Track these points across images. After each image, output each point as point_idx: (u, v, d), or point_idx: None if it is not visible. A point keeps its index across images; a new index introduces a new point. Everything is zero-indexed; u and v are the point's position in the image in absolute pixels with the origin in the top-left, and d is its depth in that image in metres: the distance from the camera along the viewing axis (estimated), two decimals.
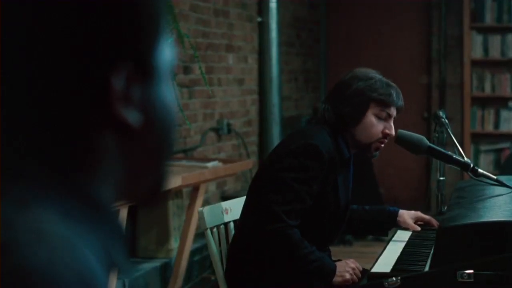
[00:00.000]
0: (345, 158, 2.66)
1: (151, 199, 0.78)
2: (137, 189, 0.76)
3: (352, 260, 2.64)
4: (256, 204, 2.61)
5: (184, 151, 5.04)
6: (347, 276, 2.57)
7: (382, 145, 2.71)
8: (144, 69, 0.71)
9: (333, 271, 2.57)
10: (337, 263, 2.60)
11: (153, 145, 0.73)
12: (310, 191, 2.53)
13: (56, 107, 0.68)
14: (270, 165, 2.64)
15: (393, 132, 2.70)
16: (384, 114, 2.67)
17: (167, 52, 0.75)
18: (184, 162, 4.33)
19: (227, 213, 2.84)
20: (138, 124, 0.70)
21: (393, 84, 2.73)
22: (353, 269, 2.60)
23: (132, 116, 0.70)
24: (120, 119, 0.69)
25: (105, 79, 0.68)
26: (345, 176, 2.71)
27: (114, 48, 0.69)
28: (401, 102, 2.72)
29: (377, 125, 2.66)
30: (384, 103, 2.66)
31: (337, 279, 2.56)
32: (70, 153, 0.69)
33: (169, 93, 0.75)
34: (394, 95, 2.68)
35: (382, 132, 2.67)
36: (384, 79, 2.71)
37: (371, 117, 2.66)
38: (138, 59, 0.70)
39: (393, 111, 2.70)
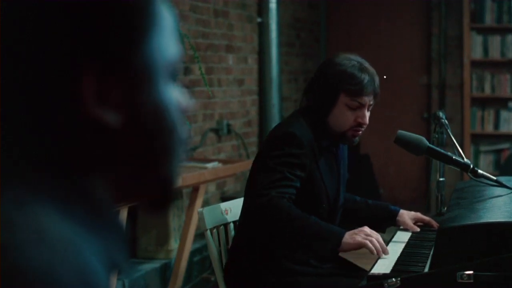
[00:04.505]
0: (324, 146, 2.65)
1: (159, 202, 0.76)
2: (141, 190, 0.75)
3: (367, 227, 2.51)
4: (247, 196, 2.62)
5: None
6: (359, 238, 2.42)
7: (359, 132, 2.68)
8: (125, 71, 0.70)
9: (340, 232, 2.44)
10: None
11: (144, 146, 0.72)
12: (295, 173, 2.52)
13: (43, 107, 0.68)
14: (255, 161, 2.67)
15: (365, 121, 2.65)
16: (355, 104, 2.63)
17: (164, 51, 0.73)
18: (183, 163, 4.33)
19: (227, 213, 2.84)
20: (117, 124, 0.69)
21: (369, 69, 2.64)
22: (367, 234, 2.45)
23: (110, 116, 0.69)
24: (98, 119, 0.69)
25: (77, 79, 0.68)
26: (330, 163, 2.69)
27: (83, 49, 0.68)
28: (373, 88, 2.63)
29: (347, 115, 2.63)
30: (354, 93, 2.61)
31: (347, 240, 2.42)
32: (67, 153, 0.69)
33: (167, 93, 0.74)
34: (366, 82, 2.60)
35: (355, 121, 2.64)
36: (358, 65, 2.63)
37: (341, 107, 2.63)
38: (113, 60, 0.69)
39: (366, 100, 2.63)
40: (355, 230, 2.46)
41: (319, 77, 2.68)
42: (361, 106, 2.64)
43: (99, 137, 0.70)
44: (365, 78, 2.62)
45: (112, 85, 0.69)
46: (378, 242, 2.44)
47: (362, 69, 2.64)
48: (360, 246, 2.42)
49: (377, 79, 2.67)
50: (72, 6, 0.67)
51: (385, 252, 2.47)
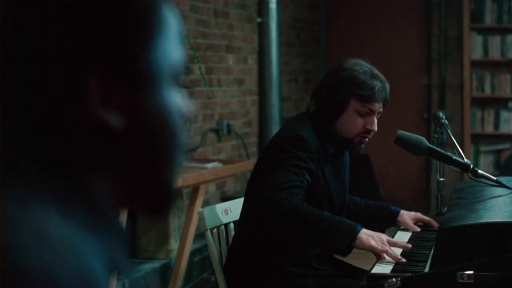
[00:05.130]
0: (329, 153, 2.63)
1: (157, 208, 0.76)
2: (141, 192, 0.75)
3: (385, 235, 2.50)
4: (253, 196, 2.60)
5: None
6: (373, 243, 2.41)
7: (366, 139, 2.67)
8: (129, 73, 0.70)
9: (356, 226, 2.42)
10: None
11: (145, 149, 0.72)
12: (303, 176, 2.49)
13: (44, 107, 0.68)
14: (260, 162, 2.65)
15: (374, 128, 2.64)
16: (365, 110, 2.61)
17: (168, 55, 0.73)
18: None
19: (227, 213, 2.84)
20: (120, 126, 0.70)
21: (380, 76, 2.64)
22: (383, 243, 2.43)
23: (112, 117, 0.69)
24: (100, 120, 0.69)
25: (81, 80, 0.68)
26: (335, 168, 2.68)
27: (88, 49, 0.68)
28: (384, 95, 2.63)
29: (357, 121, 2.62)
30: (365, 99, 2.60)
31: (363, 238, 2.39)
32: (68, 153, 0.69)
33: (170, 97, 0.74)
34: (377, 88, 2.60)
35: (364, 127, 2.63)
36: (370, 71, 2.63)
37: (351, 113, 2.61)
38: (118, 62, 0.69)
39: (376, 106, 2.62)
40: (373, 233, 2.45)
41: (328, 82, 2.66)
42: (371, 112, 2.62)
43: (100, 137, 0.70)
44: (377, 84, 2.61)
45: (116, 87, 0.69)
46: (389, 254, 2.43)
47: (374, 75, 2.63)
48: (372, 250, 2.42)
49: (388, 86, 2.66)
50: (76, 7, 0.67)
51: (406, 247, 2.46)
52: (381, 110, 2.66)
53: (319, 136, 2.61)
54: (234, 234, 2.77)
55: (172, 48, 0.74)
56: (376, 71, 2.66)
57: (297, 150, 2.52)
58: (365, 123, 2.63)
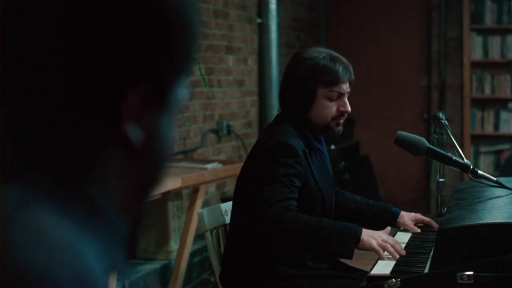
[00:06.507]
0: (315, 148, 2.64)
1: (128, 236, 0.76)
2: (125, 208, 0.75)
3: (383, 233, 2.50)
4: (242, 202, 2.59)
5: (184, 152, 5.04)
6: (374, 244, 2.42)
7: (342, 121, 2.68)
8: (161, 95, 0.71)
9: (357, 229, 2.42)
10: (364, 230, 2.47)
11: (147, 167, 0.73)
12: (293, 184, 2.49)
13: (59, 111, 0.68)
14: (247, 174, 2.62)
15: (348, 109, 2.65)
16: (334, 94, 2.63)
17: (184, 87, 0.75)
18: (184, 164, 4.33)
19: (227, 214, 2.84)
20: (139, 144, 0.70)
21: (340, 58, 2.65)
22: (384, 240, 2.45)
23: (136, 135, 0.70)
24: (124, 134, 0.69)
25: (121, 93, 0.68)
26: (320, 163, 2.68)
27: (139, 65, 0.69)
28: (349, 75, 2.64)
29: (329, 106, 2.63)
30: (332, 83, 2.61)
31: (364, 240, 2.40)
32: (71, 157, 0.69)
33: (173, 125, 0.75)
34: (341, 70, 2.61)
35: (337, 110, 2.64)
36: (328, 56, 2.63)
37: (321, 100, 2.62)
38: (159, 82, 0.70)
39: (344, 88, 2.63)
40: (373, 234, 2.46)
41: (292, 76, 2.66)
42: (341, 95, 2.64)
43: (115, 148, 0.70)
44: (339, 67, 2.62)
45: (149, 108, 0.70)
46: (394, 247, 2.44)
47: (334, 59, 2.63)
48: (372, 251, 2.43)
49: (350, 67, 2.67)
50: (138, 26, 0.68)
51: (400, 254, 2.45)
52: (349, 90, 2.67)
53: (301, 134, 2.62)
54: (226, 243, 2.73)
55: (186, 80, 0.75)
56: (335, 54, 2.67)
57: (283, 157, 2.51)
58: (338, 106, 2.65)
